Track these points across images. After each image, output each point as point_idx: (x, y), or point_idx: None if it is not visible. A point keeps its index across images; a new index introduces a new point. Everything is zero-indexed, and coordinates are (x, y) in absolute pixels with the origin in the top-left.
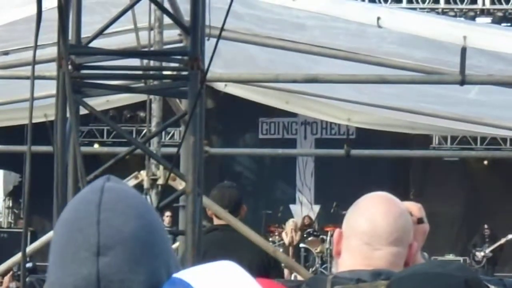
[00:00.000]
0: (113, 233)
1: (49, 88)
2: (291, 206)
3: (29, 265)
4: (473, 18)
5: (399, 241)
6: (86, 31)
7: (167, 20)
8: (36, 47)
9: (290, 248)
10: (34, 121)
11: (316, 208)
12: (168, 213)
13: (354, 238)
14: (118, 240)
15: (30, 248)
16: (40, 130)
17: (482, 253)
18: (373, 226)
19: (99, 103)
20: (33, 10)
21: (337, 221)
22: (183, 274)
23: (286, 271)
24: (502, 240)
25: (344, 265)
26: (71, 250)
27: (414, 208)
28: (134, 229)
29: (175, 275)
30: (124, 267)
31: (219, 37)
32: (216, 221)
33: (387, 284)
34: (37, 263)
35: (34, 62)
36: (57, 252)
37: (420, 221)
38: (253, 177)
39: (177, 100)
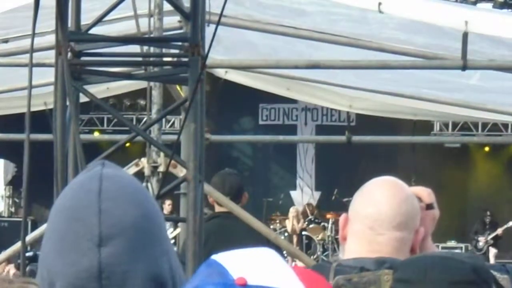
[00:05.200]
0: (115, 223)
1: (49, 76)
2: (292, 193)
3: (29, 253)
4: (474, 4)
5: (404, 226)
6: (86, 18)
7: (167, 6)
8: (34, 34)
9: (294, 236)
10: (33, 109)
11: (317, 195)
12: (169, 202)
13: (358, 223)
14: (119, 230)
15: (30, 236)
16: (40, 118)
17: (484, 240)
18: (376, 210)
19: (99, 90)
20: None
21: (338, 208)
22: (220, 257)
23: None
24: (504, 227)
25: (349, 251)
26: (71, 239)
27: (424, 193)
28: (135, 218)
29: (212, 256)
30: (126, 257)
31: (218, 22)
32: (218, 209)
33: (392, 272)
34: (38, 252)
35: (32, 49)
36: (54, 239)
37: (429, 206)
38: (253, 164)
39: (178, 87)
